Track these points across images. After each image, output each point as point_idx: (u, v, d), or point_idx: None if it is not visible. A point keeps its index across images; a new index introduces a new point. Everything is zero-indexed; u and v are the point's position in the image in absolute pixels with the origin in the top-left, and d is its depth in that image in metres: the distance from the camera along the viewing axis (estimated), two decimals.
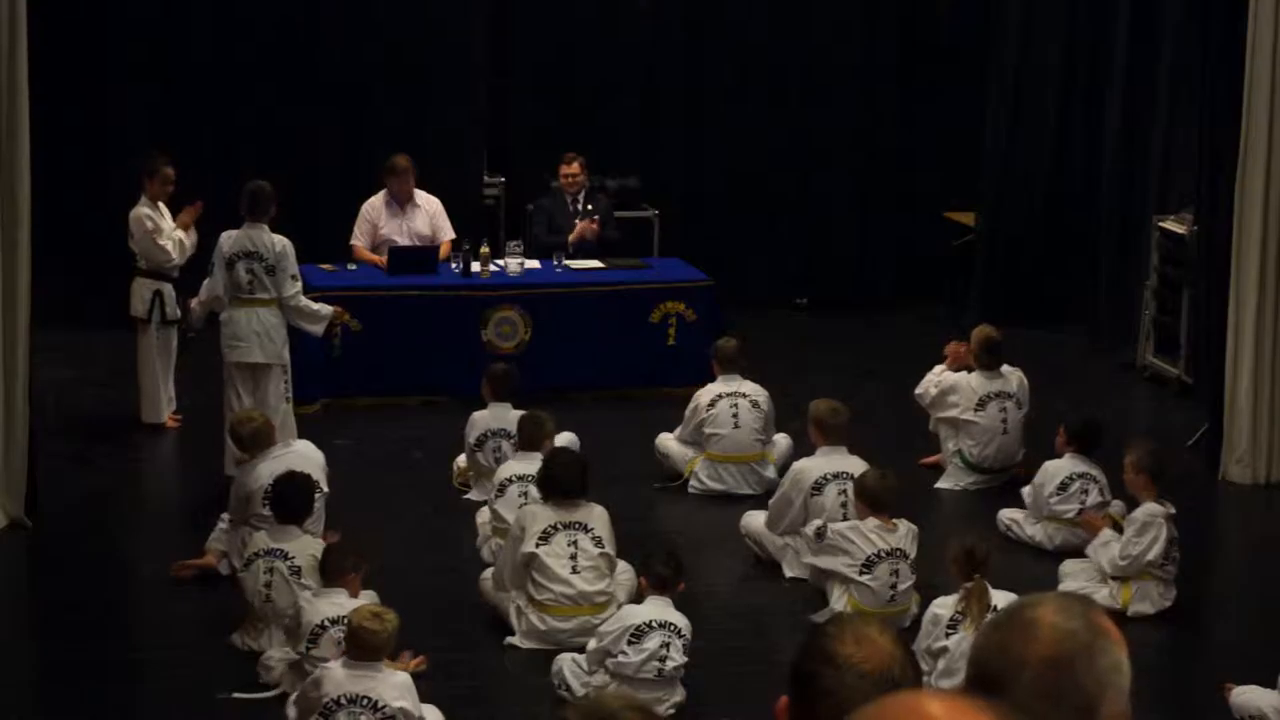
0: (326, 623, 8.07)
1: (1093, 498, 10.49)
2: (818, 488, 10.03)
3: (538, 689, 8.55)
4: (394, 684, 7.53)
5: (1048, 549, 10.44)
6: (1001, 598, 8.05)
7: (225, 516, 9.88)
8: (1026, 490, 10.80)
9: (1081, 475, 10.50)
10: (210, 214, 13.65)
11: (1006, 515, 10.76)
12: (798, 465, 10.27)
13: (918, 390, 11.81)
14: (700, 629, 8.58)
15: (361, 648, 7.49)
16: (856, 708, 2.90)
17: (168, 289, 12.34)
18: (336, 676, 7.49)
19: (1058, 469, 10.56)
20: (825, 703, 2.98)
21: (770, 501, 10.33)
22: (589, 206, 14.33)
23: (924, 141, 16.67)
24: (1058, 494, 10.50)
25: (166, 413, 12.46)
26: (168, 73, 15.22)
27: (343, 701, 7.41)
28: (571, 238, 14.01)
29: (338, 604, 8.10)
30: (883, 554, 9.29)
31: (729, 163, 16.42)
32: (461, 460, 11.33)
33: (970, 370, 11.70)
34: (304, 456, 9.76)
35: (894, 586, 9.31)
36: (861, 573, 9.28)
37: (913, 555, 9.33)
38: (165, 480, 12.20)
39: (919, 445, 11.89)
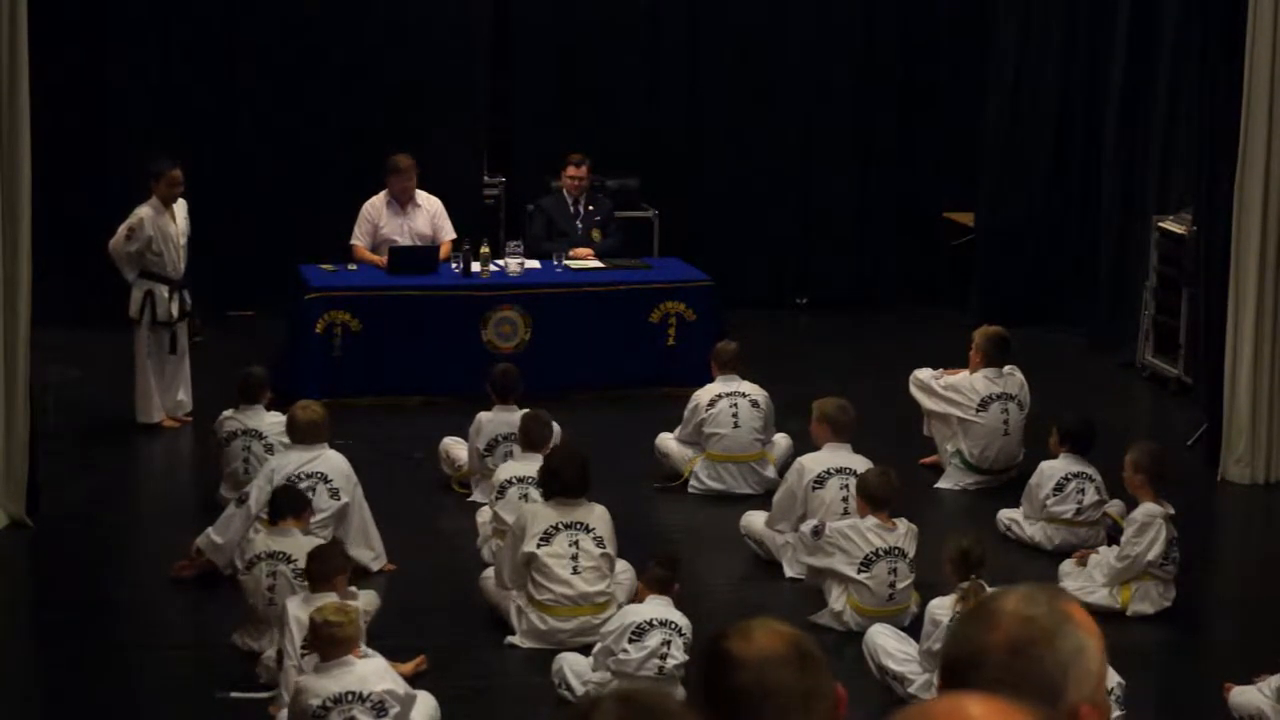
0: None
1: (1089, 497, 10.48)
2: (820, 482, 10.04)
3: (538, 689, 8.55)
4: (372, 671, 7.48)
5: (1047, 549, 10.43)
6: None
7: (229, 511, 9.90)
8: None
9: (1077, 475, 10.49)
10: (209, 214, 13.70)
11: (1006, 515, 10.76)
12: (800, 460, 10.29)
13: (918, 373, 11.80)
14: (700, 629, 8.56)
15: (329, 642, 7.42)
16: (771, 693, 2.96)
17: (160, 290, 12.33)
18: (314, 684, 7.43)
19: (1053, 469, 10.56)
20: (743, 703, 3.02)
21: (774, 499, 10.33)
22: (590, 208, 14.33)
23: (924, 141, 16.68)
24: (1054, 494, 10.49)
25: (159, 413, 12.45)
26: (168, 73, 15.23)
27: (329, 704, 7.36)
28: (572, 258, 13.83)
29: None
30: (881, 552, 9.29)
31: (729, 163, 16.42)
32: (450, 446, 11.35)
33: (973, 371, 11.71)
34: (332, 464, 9.84)
35: (892, 585, 9.31)
36: (860, 571, 9.29)
37: (912, 554, 9.34)
38: (165, 480, 12.21)
39: (919, 445, 11.89)
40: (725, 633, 3.13)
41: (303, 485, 9.54)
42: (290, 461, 9.79)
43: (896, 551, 9.31)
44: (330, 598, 8.07)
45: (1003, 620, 2.81)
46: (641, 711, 2.70)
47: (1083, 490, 10.47)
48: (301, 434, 9.95)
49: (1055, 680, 2.79)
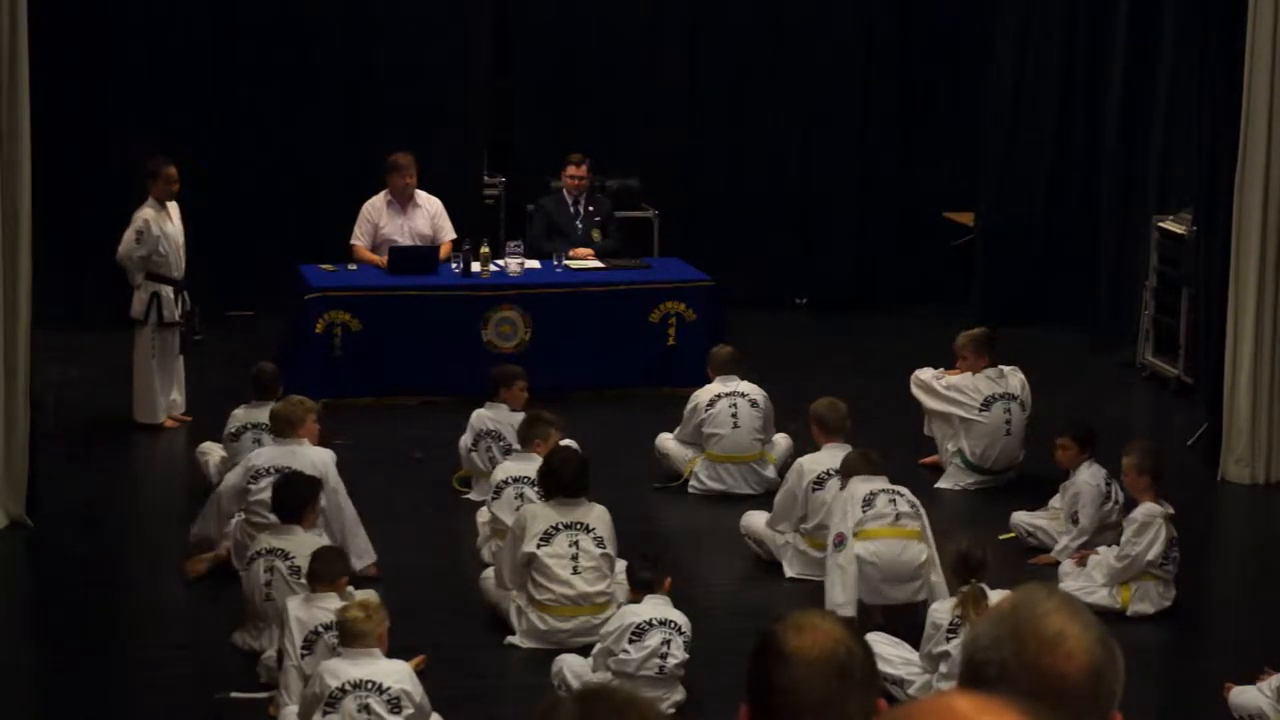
0: (320, 629, 8.03)
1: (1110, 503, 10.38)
2: (819, 483, 10.03)
3: (538, 689, 8.54)
4: (395, 669, 7.56)
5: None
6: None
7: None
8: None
9: (1109, 483, 10.21)
10: (209, 214, 13.69)
11: (1026, 521, 10.57)
12: (799, 461, 10.28)
13: (920, 373, 11.78)
14: (700, 629, 8.58)
15: (352, 635, 7.52)
16: (810, 697, 2.94)
17: (166, 291, 12.34)
18: (334, 667, 7.52)
19: (1094, 479, 10.22)
20: (779, 699, 3.01)
21: (775, 499, 10.32)
22: (590, 208, 14.33)
23: (924, 141, 16.68)
24: (1104, 504, 10.29)
25: (163, 414, 12.46)
26: (168, 73, 15.23)
27: (347, 688, 7.43)
28: (572, 258, 13.82)
29: (329, 609, 8.02)
30: (876, 492, 9.39)
31: (729, 163, 16.43)
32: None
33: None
34: (303, 462, 9.72)
35: (895, 509, 9.36)
36: (864, 508, 9.38)
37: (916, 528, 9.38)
38: (165, 480, 12.20)
39: (919, 445, 11.88)
40: (782, 617, 3.09)
41: (264, 481, 9.50)
42: (262, 455, 9.77)
43: (892, 492, 9.43)
44: (331, 599, 8.08)
45: (1074, 647, 2.76)
46: (603, 710, 2.69)
47: (1108, 496, 10.34)
48: (273, 426, 10.01)
49: (1116, 692, 2.80)
